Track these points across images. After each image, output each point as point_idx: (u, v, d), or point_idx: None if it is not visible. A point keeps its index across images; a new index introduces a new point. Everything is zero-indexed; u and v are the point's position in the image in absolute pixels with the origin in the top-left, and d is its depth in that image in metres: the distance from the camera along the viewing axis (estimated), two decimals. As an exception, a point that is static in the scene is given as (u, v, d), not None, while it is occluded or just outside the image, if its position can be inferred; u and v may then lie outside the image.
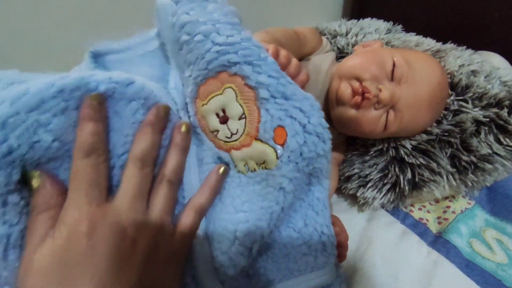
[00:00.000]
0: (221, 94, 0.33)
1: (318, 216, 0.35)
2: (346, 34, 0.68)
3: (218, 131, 0.34)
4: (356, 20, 0.74)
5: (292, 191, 0.33)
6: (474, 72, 0.55)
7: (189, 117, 0.36)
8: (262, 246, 0.34)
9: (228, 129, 0.33)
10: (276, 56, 0.37)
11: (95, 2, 0.69)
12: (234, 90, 0.32)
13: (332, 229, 0.36)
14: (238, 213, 0.32)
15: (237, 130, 0.33)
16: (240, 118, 0.33)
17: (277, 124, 0.32)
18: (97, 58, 0.40)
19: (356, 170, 0.56)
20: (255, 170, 0.33)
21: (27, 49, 0.66)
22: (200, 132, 0.35)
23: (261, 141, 0.32)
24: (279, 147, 0.32)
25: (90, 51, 0.40)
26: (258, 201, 0.32)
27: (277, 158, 0.32)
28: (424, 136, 0.53)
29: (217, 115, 0.33)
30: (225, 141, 0.34)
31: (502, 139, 0.51)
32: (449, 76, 0.54)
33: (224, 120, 0.33)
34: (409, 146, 0.53)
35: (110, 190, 0.29)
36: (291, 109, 0.32)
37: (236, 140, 0.33)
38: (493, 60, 0.64)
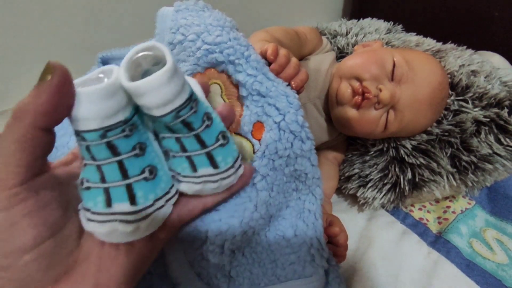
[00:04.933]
0: None
1: (309, 228, 0.35)
2: (346, 34, 0.68)
3: None
4: (356, 20, 0.74)
5: (266, 189, 0.32)
6: (474, 72, 0.55)
7: None
8: (245, 248, 0.34)
9: None
10: (275, 55, 0.37)
11: (102, 7, 0.70)
12: (220, 85, 0.34)
13: (323, 242, 0.35)
14: (210, 212, 0.31)
15: None
16: None
17: (256, 119, 0.33)
18: (105, 63, 0.45)
19: (356, 170, 0.56)
20: None
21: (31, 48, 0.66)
22: None
23: (240, 134, 0.33)
24: (256, 141, 0.33)
25: (99, 56, 0.45)
26: (231, 198, 0.32)
27: (254, 152, 0.33)
28: (424, 136, 0.53)
29: None
30: None
31: (502, 139, 0.51)
32: (449, 76, 0.54)
33: None
34: (409, 146, 0.53)
35: None
36: (266, 106, 0.33)
37: None
38: (493, 60, 0.64)
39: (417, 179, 0.53)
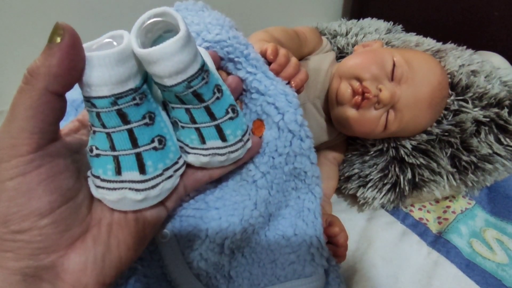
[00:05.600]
0: None
1: (308, 227, 0.35)
2: (346, 34, 0.68)
3: None
4: (356, 20, 0.74)
5: (266, 188, 0.32)
6: (474, 72, 0.55)
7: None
8: (245, 248, 0.34)
9: None
10: (275, 54, 0.37)
11: (100, 7, 0.70)
12: None
13: (323, 240, 0.35)
14: (210, 211, 0.31)
15: None
16: None
17: (256, 117, 0.33)
18: None
19: (356, 170, 0.56)
20: None
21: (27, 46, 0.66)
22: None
23: None
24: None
25: None
26: (232, 196, 0.32)
27: None
28: (424, 136, 0.53)
29: None
30: None
31: (502, 139, 0.51)
32: (449, 76, 0.54)
33: None
34: (409, 146, 0.53)
35: None
36: (265, 104, 0.32)
37: None
38: (493, 60, 0.64)
39: (417, 179, 0.53)
